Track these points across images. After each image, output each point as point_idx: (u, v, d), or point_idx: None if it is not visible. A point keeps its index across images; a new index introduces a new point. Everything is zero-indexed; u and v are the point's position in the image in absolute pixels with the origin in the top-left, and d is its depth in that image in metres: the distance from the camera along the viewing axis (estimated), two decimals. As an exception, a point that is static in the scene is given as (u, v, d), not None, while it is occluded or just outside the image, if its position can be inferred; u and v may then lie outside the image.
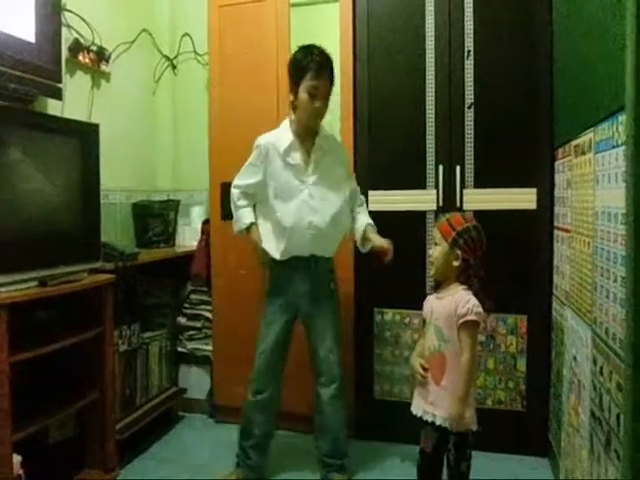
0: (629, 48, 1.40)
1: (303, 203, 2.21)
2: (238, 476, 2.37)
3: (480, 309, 1.84)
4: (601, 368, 1.66)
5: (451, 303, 1.87)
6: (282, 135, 2.27)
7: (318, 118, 2.22)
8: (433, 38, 2.60)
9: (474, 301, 1.85)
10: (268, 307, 2.34)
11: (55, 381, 2.22)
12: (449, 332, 1.87)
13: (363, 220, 2.33)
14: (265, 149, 2.26)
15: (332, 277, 2.33)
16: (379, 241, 2.24)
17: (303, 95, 2.16)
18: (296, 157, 2.24)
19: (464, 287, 1.89)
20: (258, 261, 2.39)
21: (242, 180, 2.32)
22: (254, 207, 2.35)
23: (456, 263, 1.89)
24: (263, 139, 2.29)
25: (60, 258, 2.12)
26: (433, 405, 1.89)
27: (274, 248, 2.26)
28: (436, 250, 1.94)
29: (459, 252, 1.88)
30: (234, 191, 2.33)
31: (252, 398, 2.34)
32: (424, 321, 2.05)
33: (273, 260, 2.29)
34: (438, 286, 2.01)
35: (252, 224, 2.31)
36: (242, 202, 2.33)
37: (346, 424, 2.37)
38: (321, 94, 2.16)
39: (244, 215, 2.32)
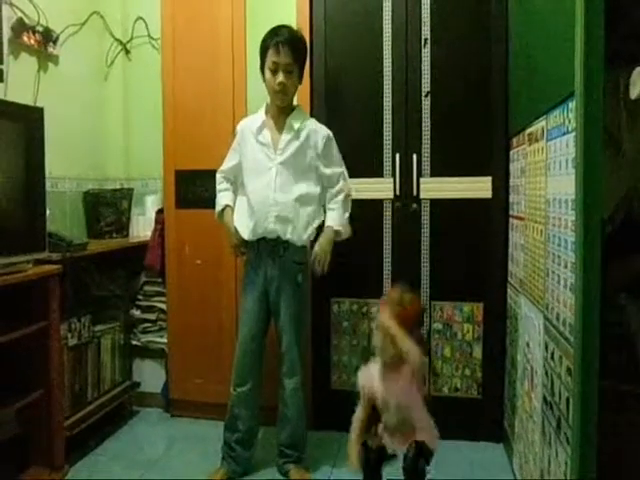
0: (578, 33, 1.40)
1: (271, 180, 2.20)
2: (224, 473, 2.32)
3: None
4: (552, 353, 1.67)
5: (404, 377, 1.86)
6: (257, 116, 2.30)
7: (282, 94, 2.20)
8: (390, 26, 2.58)
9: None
10: (242, 295, 2.34)
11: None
12: (409, 398, 1.87)
13: (328, 220, 2.27)
14: (241, 132, 2.33)
15: (301, 269, 2.29)
16: (315, 250, 2.22)
17: (266, 73, 2.20)
18: (267, 136, 2.25)
19: None
20: (230, 246, 2.36)
21: (224, 165, 2.39)
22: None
23: None
24: (241, 123, 2.37)
25: (1, 248, 2.02)
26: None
27: (244, 227, 2.26)
28: (388, 339, 1.86)
29: (415, 335, 1.86)
30: (217, 176, 2.40)
31: (233, 392, 2.31)
32: (362, 394, 2.00)
33: (245, 244, 2.29)
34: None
35: (226, 206, 2.33)
36: (222, 186, 2.38)
37: (306, 417, 2.36)
38: (283, 69, 2.15)
39: (221, 198, 2.36)
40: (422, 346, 1.89)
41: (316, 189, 2.26)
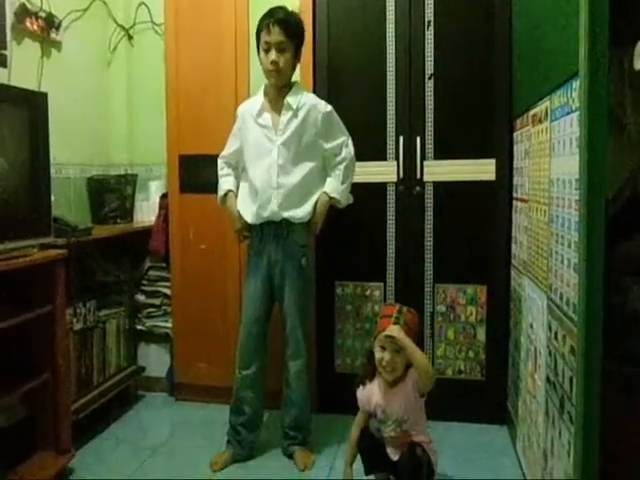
0: (582, 12, 1.39)
1: (273, 162, 2.20)
2: (229, 456, 2.33)
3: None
4: (555, 333, 1.68)
5: (406, 388, 1.93)
6: (256, 99, 2.31)
7: (277, 72, 2.19)
8: (393, 8, 2.57)
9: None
10: (245, 278, 2.36)
11: (1, 362, 2.13)
12: (410, 412, 1.93)
13: (325, 186, 2.27)
14: (241, 116, 2.34)
15: (304, 252, 2.29)
16: (314, 217, 2.25)
17: (260, 53, 2.21)
18: (267, 118, 2.25)
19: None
20: (235, 231, 2.37)
21: (225, 150, 2.40)
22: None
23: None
24: (240, 107, 2.38)
25: (6, 233, 2.02)
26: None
27: (248, 211, 2.26)
28: (399, 358, 1.91)
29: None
30: (218, 161, 2.40)
31: (238, 375, 2.33)
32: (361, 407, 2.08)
33: (249, 228, 2.29)
34: (369, 376, 2.04)
35: (229, 191, 2.34)
36: (223, 171, 2.39)
37: (310, 400, 2.39)
38: (275, 47, 2.16)
39: (223, 183, 2.37)
40: None
41: (319, 165, 2.27)
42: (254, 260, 2.30)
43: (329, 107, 2.27)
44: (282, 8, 2.23)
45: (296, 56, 2.24)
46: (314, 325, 2.66)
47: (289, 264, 2.25)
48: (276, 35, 2.15)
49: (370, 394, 2.03)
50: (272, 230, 2.24)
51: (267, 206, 2.20)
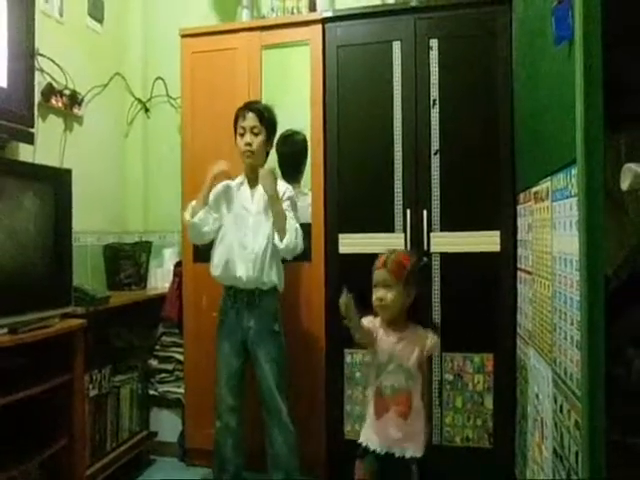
0: (578, 104, 1.49)
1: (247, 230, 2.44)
2: None
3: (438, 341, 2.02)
4: (561, 406, 1.72)
5: (415, 343, 2.00)
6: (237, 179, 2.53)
7: (251, 152, 2.42)
8: (400, 86, 2.70)
9: (435, 336, 2.01)
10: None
11: (22, 429, 2.18)
12: (416, 370, 1.99)
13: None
14: (225, 185, 2.53)
15: (276, 318, 2.43)
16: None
17: (237, 138, 2.46)
18: (245, 190, 2.49)
19: (416, 324, 2.04)
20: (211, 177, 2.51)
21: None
22: None
23: (409, 301, 2.01)
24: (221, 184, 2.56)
25: (31, 304, 2.11)
26: (402, 440, 1.96)
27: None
28: (390, 293, 1.99)
29: (412, 290, 2.00)
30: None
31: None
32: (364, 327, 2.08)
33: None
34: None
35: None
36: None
37: (298, 457, 2.41)
38: (249, 131, 2.41)
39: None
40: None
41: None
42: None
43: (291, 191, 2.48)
44: (257, 101, 2.55)
45: (268, 141, 2.48)
46: (323, 392, 2.71)
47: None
48: (250, 120, 2.43)
49: (375, 325, 2.06)
50: (244, 296, 2.41)
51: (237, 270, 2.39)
